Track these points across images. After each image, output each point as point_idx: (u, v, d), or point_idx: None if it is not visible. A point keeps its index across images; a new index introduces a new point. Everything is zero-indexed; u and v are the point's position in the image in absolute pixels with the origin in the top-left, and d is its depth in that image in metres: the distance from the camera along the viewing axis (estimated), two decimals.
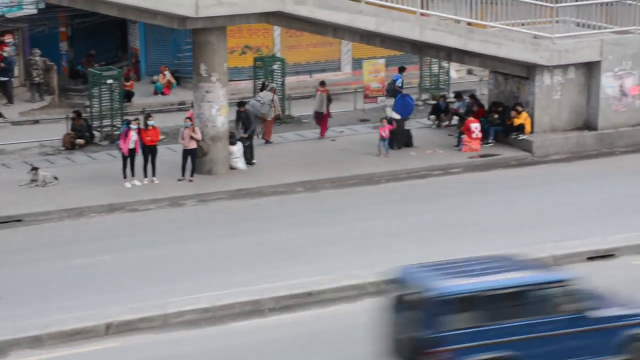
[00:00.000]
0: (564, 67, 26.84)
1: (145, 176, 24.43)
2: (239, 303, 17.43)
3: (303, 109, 30.77)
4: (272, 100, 27.75)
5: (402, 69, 30.25)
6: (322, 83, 29.10)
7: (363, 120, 30.51)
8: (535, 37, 26.65)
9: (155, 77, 34.48)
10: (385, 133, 26.61)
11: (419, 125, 29.21)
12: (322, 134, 28.51)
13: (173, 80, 34.39)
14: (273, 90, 28.23)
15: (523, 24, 27.29)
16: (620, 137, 27.02)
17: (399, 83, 29.58)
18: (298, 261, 19.29)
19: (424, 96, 32.91)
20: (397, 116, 27.68)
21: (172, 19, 23.98)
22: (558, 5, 27.88)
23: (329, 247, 20.14)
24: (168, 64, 34.57)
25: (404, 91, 28.78)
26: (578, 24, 28.08)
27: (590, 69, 26.96)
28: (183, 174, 24.66)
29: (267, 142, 27.89)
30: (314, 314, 17.22)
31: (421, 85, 33.18)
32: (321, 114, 28.56)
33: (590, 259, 19.12)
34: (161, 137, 25.48)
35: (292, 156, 26.86)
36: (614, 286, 17.59)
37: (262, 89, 28.79)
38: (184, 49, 33.32)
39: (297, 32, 31.82)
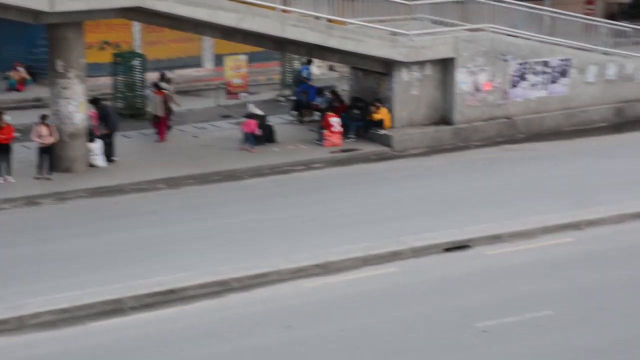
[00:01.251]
0: (421, 64, 27.46)
1: (0, 175, 23.77)
2: (99, 302, 17.17)
3: None
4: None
5: (309, 61, 30.93)
6: (156, 85, 28.39)
7: (225, 117, 30.47)
8: (393, 34, 27.18)
9: (8, 73, 33.53)
10: (249, 128, 26.70)
11: (281, 121, 29.38)
12: (161, 138, 27.53)
13: (27, 76, 33.54)
14: (168, 82, 28.34)
15: (381, 21, 27.78)
16: (475, 132, 27.84)
17: (304, 74, 29.98)
18: (161, 258, 19.14)
19: (286, 92, 33.10)
20: (260, 112, 27.81)
21: (25, 13, 23.37)
22: (414, 2, 28.55)
23: (192, 243, 20.05)
24: (22, 60, 33.66)
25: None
26: (433, 22, 28.80)
27: (445, 66, 27.67)
28: (40, 172, 24.11)
29: (168, 129, 28.00)
30: (177, 311, 17.13)
31: (283, 81, 33.34)
32: (157, 118, 27.79)
33: (447, 250, 19.63)
34: (16, 134, 24.83)
35: (154, 153, 26.61)
36: (470, 276, 18.23)
37: (162, 81, 28.81)
38: (38, 44, 32.50)
39: (158, 28, 31.48)
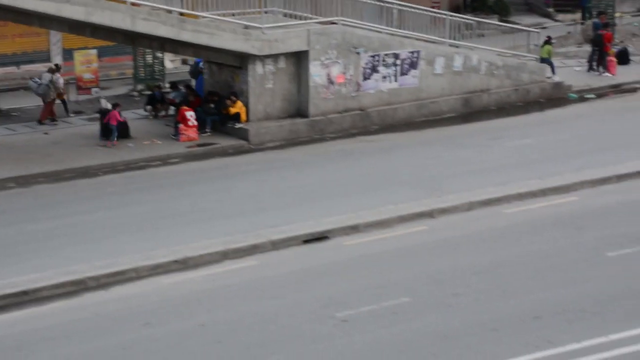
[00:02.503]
0: (275, 57, 27.59)
1: None
2: None
3: (12, 102, 29.62)
4: (51, 81, 27.83)
5: None
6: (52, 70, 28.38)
7: (77, 112, 29.83)
8: (246, 27, 27.20)
9: None
10: (114, 120, 26.44)
11: (135, 116, 28.98)
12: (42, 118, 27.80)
13: None
14: (52, 71, 27.90)
15: (234, 15, 27.76)
16: (330, 124, 28.18)
17: (202, 65, 29.63)
18: (13, 259, 18.64)
19: (139, 87, 32.67)
20: (109, 106, 27.40)
21: None
22: None
23: (45, 243, 19.60)
24: None
25: None
26: (286, 15, 28.97)
27: (299, 58, 27.88)
28: None
29: (40, 122, 27.73)
30: (31, 312, 16.73)
31: (136, 75, 32.89)
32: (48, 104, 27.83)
33: (306, 241, 19.84)
34: None
35: (2, 150, 25.82)
36: (329, 267, 18.49)
37: (57, 71, 28.75)
38: None
39: (1, 22, 30.53)
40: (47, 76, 27.93)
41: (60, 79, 28.72)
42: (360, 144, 27.20)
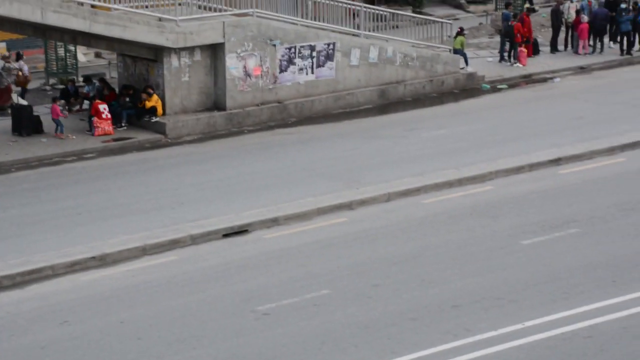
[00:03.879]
0: (191, 49, 27.40)
1: None
2: None
3: None
4: (3, 68, 28.10)
5: None
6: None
7: None
8: (160, 19, 26.94)
9: None
10: (55, 114, 26.12)
11: (46, 111, 28.46)
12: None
13: None
14: (5, 59, 28.20)
15: (147, 7, 27.47)
16: (248, 116, 28.12)
17: None
18: None
19: (52, 80, 32.11)
20: (24, 102, 26.89)
21: None
22: None
23: None
24: None
25: None
26: (200, 7, 28.78)
27: (215, 51, 27.74)
28: None
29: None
30: None
31: (48, 69, 32.32)
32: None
33: (226, 235, 19.77)
34: None
35: None
36: (249, 260, 18.47)
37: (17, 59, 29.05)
38: None
39: None
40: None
41: (24, 66, 29.14)
42: (279, 136, 27.20)
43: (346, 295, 16.77)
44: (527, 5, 38.15)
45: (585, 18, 33.97)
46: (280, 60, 28.57)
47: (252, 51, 28.00)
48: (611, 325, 15.22)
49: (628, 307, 15.74)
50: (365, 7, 31.32)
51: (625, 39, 33.68)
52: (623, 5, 33.81)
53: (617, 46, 34.20)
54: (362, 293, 16.86)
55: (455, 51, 31.87)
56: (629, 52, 33.54)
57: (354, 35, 30.12)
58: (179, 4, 27.64)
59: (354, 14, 30.46)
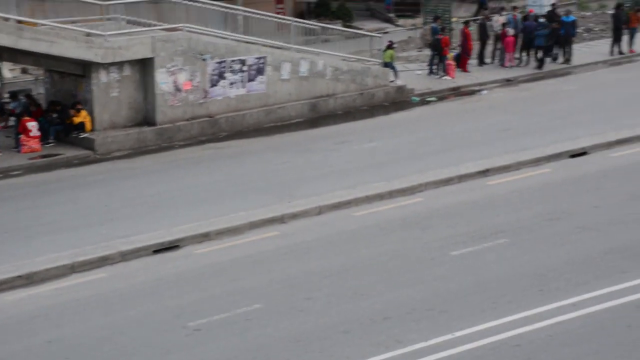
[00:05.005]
0: (120, 64, 27.20)
1: None
2: None
3: None
4: None
5: None
6: None
7: None
8: (88, 34, 26.70)
9: None
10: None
11: None
12: None
13: None
14: None
15: (75, 22, 27.22)
16: (178, 131, 27.98)
17: None
18: None
19: None
20: None
21: None
22: (108, 2, 28.21)
23: None
24: None
25: None
26: (129, 22, 28.61)
27: (144, 66, 27.58)
28: None
29: None
30: None
31: None
32: None
33: (157, 251, 19.62)
34: None
35: None
36: (180, 276, 18.35)
37: None
38: None
39: None
40: None
41: None
42: (210, 151, 27.11)
43: (278, 309, 16.76)
44: (455, 18, 38.67)
45: (510, 31, 34.51)
46: (211, 75, 28.51)
47: (182, 66, 27.89)
48: (538, 333, 15.44)
49: (554, 315, 15.98)
50: (295, 21, 31.44)
51: (539, 53, 34.08)
52: (541, 20, 34.35)
53: (548, 59, 34.74)
54: (294, 307, 16.86)
55: (385, 64, 32.14)
56: (540, 67, 33.90)
57: (284, 49, 30.19)
58: (108, 19, 27.44)
59: (284, 28, 30.55)
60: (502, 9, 37.68)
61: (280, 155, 26.38)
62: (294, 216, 21.42)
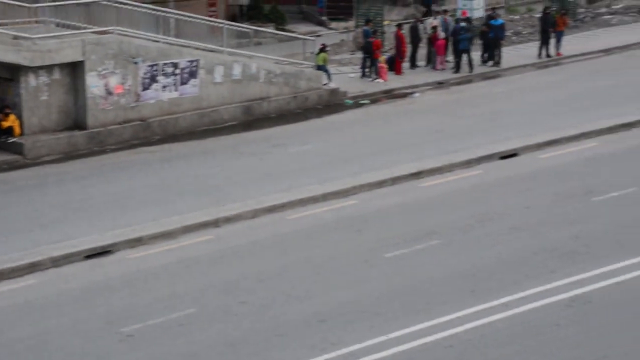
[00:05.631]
0: (49, 68, 26.82)
1: None
2: None
3: None
4: None
5: None
6: None
7: None
8: (15, 37, 26.30)
9: None
10: None
11: None
12: None
13: None
14: None
15: (2, 25, 26.78)
16: (110, 135, 27.69)
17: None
18: None
19: None
20: None
21: None
22: (36, 5, 27.82)
23: None
24: None
25: None
26: (58, 25, 28.24)
27: (75, 69, 27.24)
28: None
29: None
30: None
31: None
32: None
33: (89, 257, 19.40)
34: None
35: None
36: (113, 282, 18.17)
37: None
38: None
39: None
40: None
41: None
42: (143, 155, 26.88)
43: (213, 314, 16.70)
44: (388, 21, 38.95)
45: (442, 34, 34.85)
46: (143, 78, 28.28)
47: (114, 69, 27.61)
48: (470, 333, 15.63)
49: (486, 315, 16.20)
50: (228, 24, 31.34)
51: (464, 56, 34.38)
52: (462, 24, 34.71)
53: (476, 60, 35.14)
54: (229, 311, 16.82)
55: (318, 67, 32.22)
56: (470, 70, 34.21)
57: (217, 52, 30.09)
58: (36, 22, 27.06)
59: (217, 31, 30.44)
60: (437, 12, 37.99)
61: (214, 158, 26.28)
62: (228, 220, 21.36)
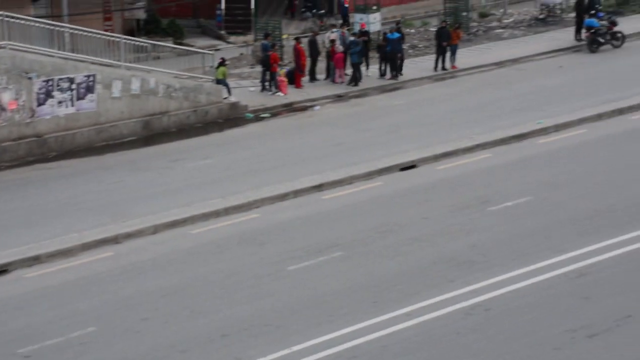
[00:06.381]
0: None
1: None
2: None
3: None
4: None
5: None
6: None
7: None
8: None
9: None
10: None
11: None
12: None
13: None
14: None
15: None
16: (4, 152, 27.07)
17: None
18: None
19: None
20: None
21: None
22: None
23: None
24: None
25: None
26: None
27: None
28: None
29: None
30: None
31: None
32: None
33: None
34: None
35: None
36: (9, 301, 17.77)
37: None
38: None
39: None
40: None
41: None
42: (39, 171, 26.38)
43: (113, 332, 16.49)
44: (286, 35, 39.11)
45: (340, 48, 35.15)
46: (38, 94, 27.76)
47: (7, 85, 27.04)
48: (373, 344, 15.79)
49: (388, 325, 16.39)
50: (124, 38, 31.03)
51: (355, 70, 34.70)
52: (351, 38, 35.06)
53: (374, 73, 35.53)
54: (131, 328, 16.63)
55: (218, 81, 32.14)
56: (355, 83, 34.52)
57: (114, 66, 29.75)
58: None
59: (114, 46, 30.09)
60: (334, 25, 38.25)
61: (113, 174, 25.96)
62: (129, 236, 21.13)
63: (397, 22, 38.45)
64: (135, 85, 29.84)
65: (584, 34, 38.30)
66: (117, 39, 30.62)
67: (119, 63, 29.95)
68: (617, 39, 37.81)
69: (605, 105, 29.53)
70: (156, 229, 21.55)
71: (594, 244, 19.28)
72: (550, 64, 36.34)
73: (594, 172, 23.85)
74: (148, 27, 42.16)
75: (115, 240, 20.92)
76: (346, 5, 43.48)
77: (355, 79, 34.48)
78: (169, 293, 18.08)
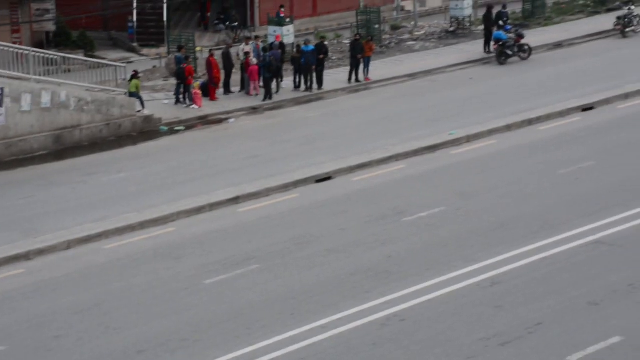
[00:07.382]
0: None
1: None
2: None
3: None
4: None
5: None
6: None
7: None
8: None
9: None
10: None
11: None
12: None
13: None
14: None
15: None
16: None
17: None
18: None
19: None
20: None
21: None
22: None
23: None
24: None
25: None
26: None
27: None
28: None
29: None
30: None
31: None
32: None
33: None
34: None
35: None
36: None
37: None
38: None
39: None
40: None
41: None
42: None
43: (24, 351, 16.17)
44: (199, 47, 38.96)
45: (254, 60, 35.14)
46: None
47: None
48: (291, 356, 15.79)
49: (306, 337, 16.40)
50: (33, 51, 30.51)
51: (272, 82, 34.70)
52: (262, 53, 35.12)
53: (289, 85, 35.59)
54: (43, 346, 16.32)
55: (131, 94, 31.82)
56: (270, 97, 34.50)
57: (23, 80, 29.21)
58: None
59: (23, 59, 29.56)
60: (249, 38, 38.20)
61: (23, 189, 25.47)
62: (41, 252, 20.75)
63: (322, 38, 38.68)
64: (46, 99, 29.35)
65: (492, 46, 39.05)
66: (26, 52, 30.10)
67: (28, 76, 29.44)
68: (524, 51, 38.61)
69: (514, 116, 30.10)
70: (69, 245, 21.22)
71: (505, 253, 19.62)
72: (461, 76, 36.91)
73: (504, 183, 24.28)
74: (58, 40, 41.54)
75: (26, 256, 20.53)
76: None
77: (269, 93, 34.47)
78: (83, 309, 17.80)
